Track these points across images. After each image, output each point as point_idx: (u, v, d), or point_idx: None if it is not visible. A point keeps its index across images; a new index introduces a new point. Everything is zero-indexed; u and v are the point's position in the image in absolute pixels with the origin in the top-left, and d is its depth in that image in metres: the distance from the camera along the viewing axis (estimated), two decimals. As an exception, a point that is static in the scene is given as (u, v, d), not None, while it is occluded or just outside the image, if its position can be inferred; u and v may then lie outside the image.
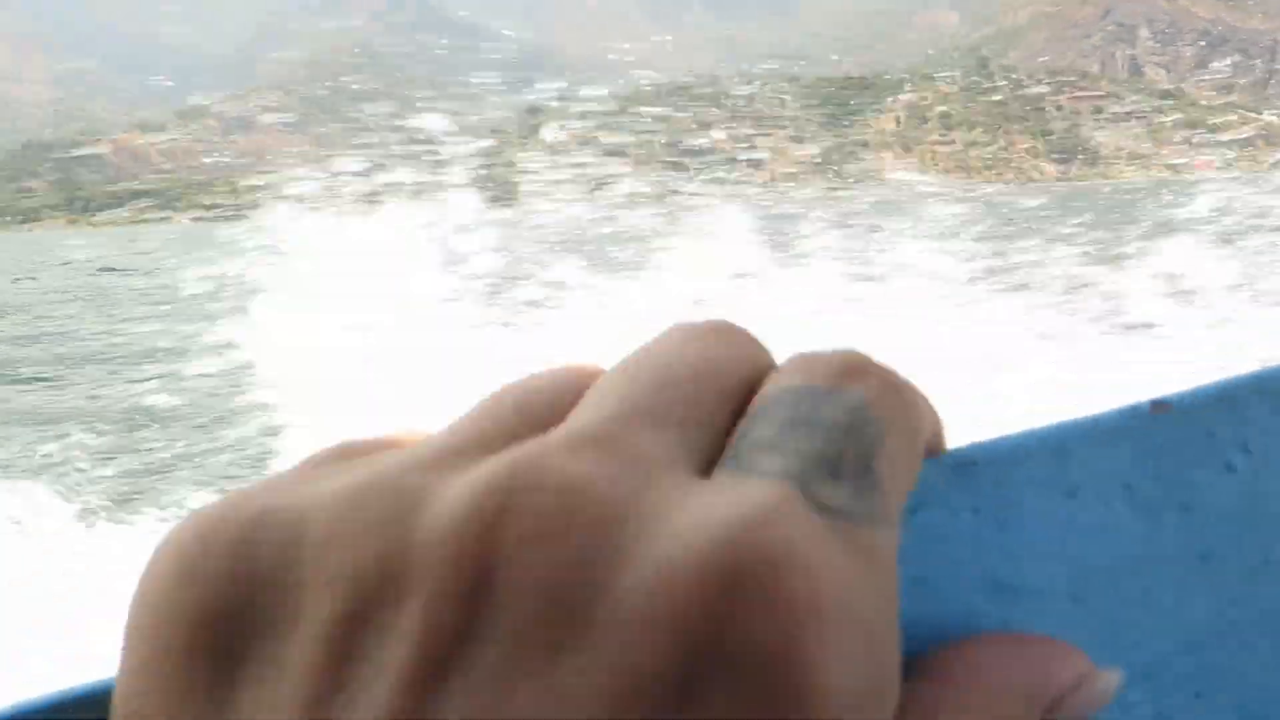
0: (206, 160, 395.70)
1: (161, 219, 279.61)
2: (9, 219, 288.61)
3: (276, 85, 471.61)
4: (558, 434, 0.23)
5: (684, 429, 0.24)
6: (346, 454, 0.26)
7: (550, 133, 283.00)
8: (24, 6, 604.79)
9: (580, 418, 0.24)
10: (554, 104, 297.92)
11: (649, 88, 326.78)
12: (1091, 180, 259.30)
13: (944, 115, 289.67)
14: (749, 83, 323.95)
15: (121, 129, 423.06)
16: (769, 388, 0.26)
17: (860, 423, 0.25)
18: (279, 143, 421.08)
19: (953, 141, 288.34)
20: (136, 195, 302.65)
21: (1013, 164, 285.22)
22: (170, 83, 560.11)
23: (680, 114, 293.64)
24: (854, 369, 0.26)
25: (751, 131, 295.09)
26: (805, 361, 0.26)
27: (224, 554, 0.22)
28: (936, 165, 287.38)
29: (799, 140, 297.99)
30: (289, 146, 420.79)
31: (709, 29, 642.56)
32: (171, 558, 0.23)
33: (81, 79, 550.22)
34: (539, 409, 0.26)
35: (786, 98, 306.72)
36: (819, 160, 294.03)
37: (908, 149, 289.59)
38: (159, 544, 0.23)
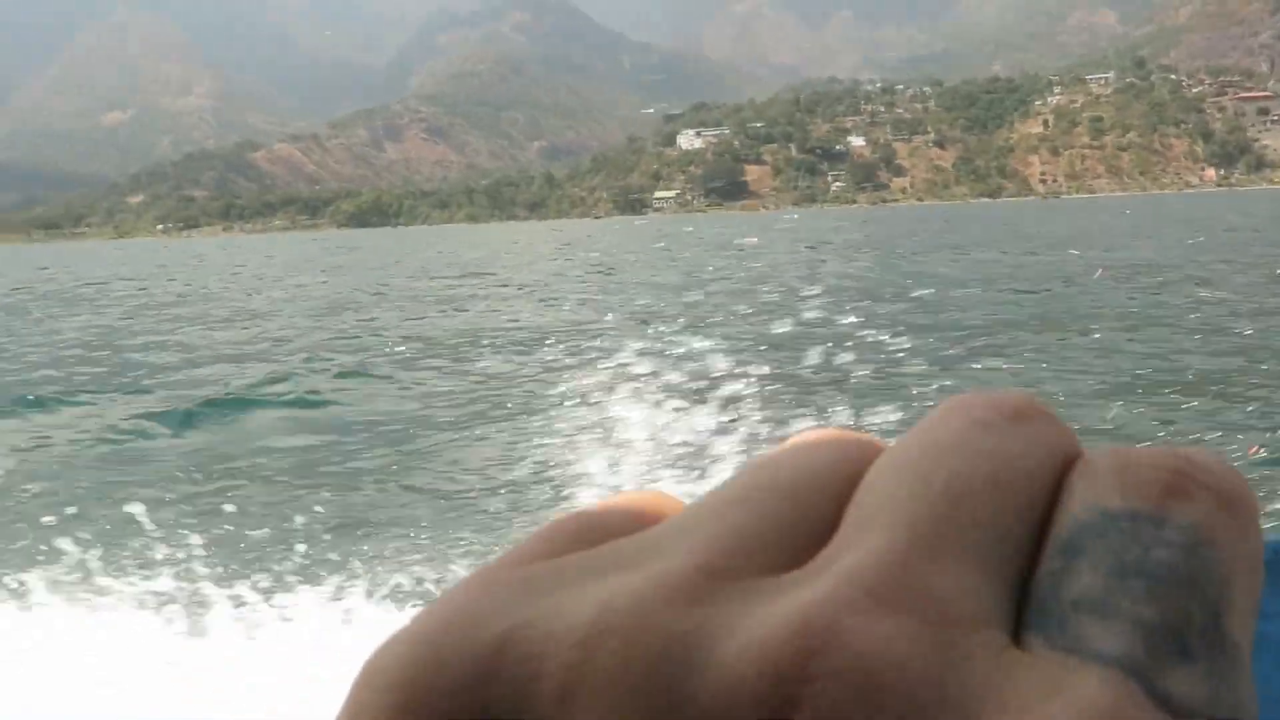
0: (355, 170, 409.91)
1: (310, 225, 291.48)
2: (171, 225, 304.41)
3: (424, 96, 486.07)
4: (847, 576, 0.19)
5: (987, 563, 0.20)
6: (585, 529, 0.23)
7: (686, 140, 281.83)
8: (193, 24, 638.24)
9: (868, 547, 0.20)
10: (690, 111, 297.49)
11: (789, 94, 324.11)
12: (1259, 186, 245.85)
13: (1095, 118, 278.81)
14: (891, 87, 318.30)
15: (278, 139, 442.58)
16: (1080, 502, 0.21)
17: (1202, 568, 0.20)
18: (424, 152, 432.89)
19: (1104, 146, 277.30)
20: (288, 203, 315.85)
21: (1169, 168, 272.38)
22: (324, 95, 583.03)
23: (819, 120, 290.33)
24: (1182, 482, 0.21)
25: (891, 137, 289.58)
26: (1120, 466, 0.21)
27: (452, 691, 0.19)
28: (1086, 170, 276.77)
29: (940, 144, 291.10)
30: (434, 156, 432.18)
31: (855, 33, 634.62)
32: (389, 685, 0.19)
33: (243, 92, 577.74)
34: (811, 506, 0.21)
35: (930, 103, 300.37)
36: (959, 165, 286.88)
37: (1055, 153, 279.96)
38: (371, 660, 0.20)
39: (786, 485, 0.22)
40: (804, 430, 0.24)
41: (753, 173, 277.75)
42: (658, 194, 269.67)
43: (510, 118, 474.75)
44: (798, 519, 0.21)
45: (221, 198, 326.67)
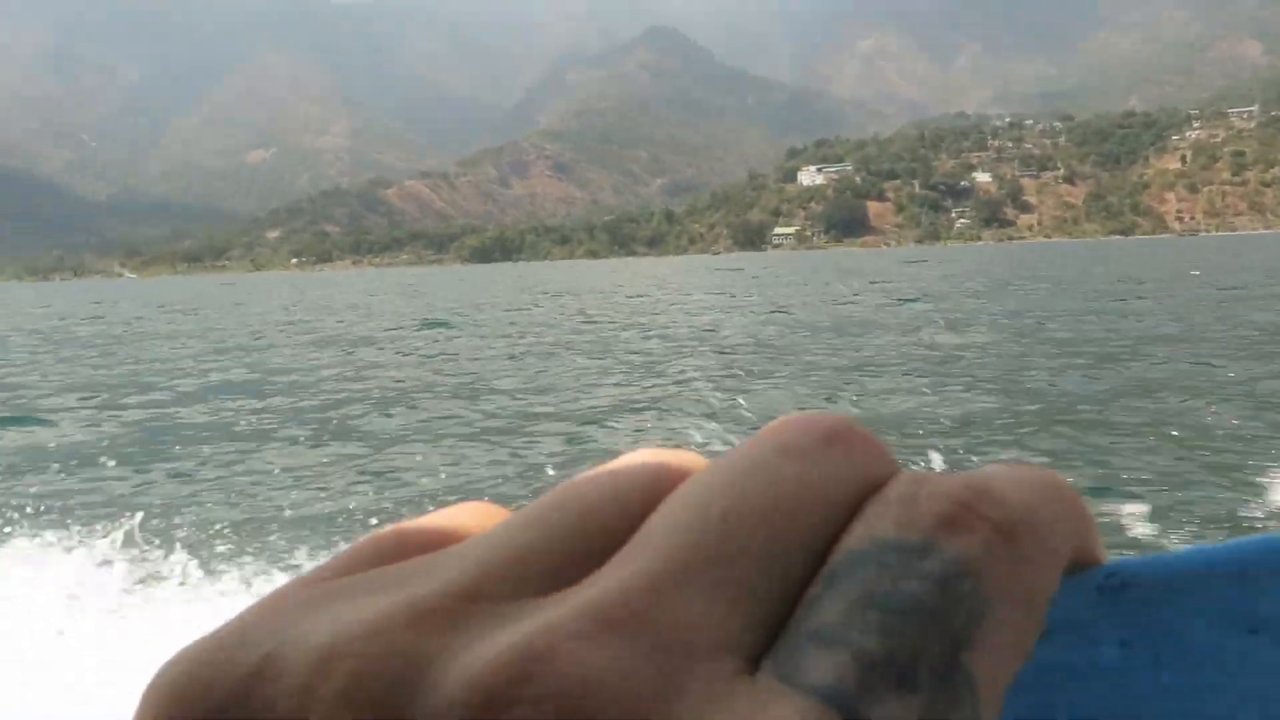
0: (482, 206, 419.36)
1: (434, 260, 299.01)
2: (306, 259, 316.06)
3: (550, 134, 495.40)
4: (586, 602, 0.19)
5: (747, 592, 0.20)
6: (397, 544, 0.23)
7: (807, 176, 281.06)
8: (332, 66, 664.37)
9: (622, 573, 0.20)
10: (813, 147, 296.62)
11: (913, 129, 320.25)
12: None
13: (1237, 153, 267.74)
14: (1020, 122, 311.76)
15: (408, 176, 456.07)
16: (857, 531, 0.21)
17: (953, 599, 0.20)
18: (549, 188, 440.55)
19: (1246, 181, 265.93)
20: (416, 238, 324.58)
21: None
22: (455, 133, 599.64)
23: (944, 155, 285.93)
24: (960, 513, 0.21)
25: (1018, 173, 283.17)
26: (907, 495, 0.21)
27: (215, 711, 0.19)
28: (1226, 207, 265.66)
29: (1070, 180, 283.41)
30: (558, 192, 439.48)
31: (983, 67, 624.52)
32: (162, 702, 0.20)
33: (377, 130, 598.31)
34: (601, 528, 0.22)
35: (1060, 138, 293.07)
36: (1090, 201, 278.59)
37: (1193, 189, 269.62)
38: (156, 675, 0.20)
39: (583, 506, 0.22)
40: (636, 448, 0.24)
41: (874, 209, 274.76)
42: (777, 230, 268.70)
43: (634, 154, 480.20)
44: (581, 542, 0.21)
45: (353, 233, 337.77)
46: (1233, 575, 0.23)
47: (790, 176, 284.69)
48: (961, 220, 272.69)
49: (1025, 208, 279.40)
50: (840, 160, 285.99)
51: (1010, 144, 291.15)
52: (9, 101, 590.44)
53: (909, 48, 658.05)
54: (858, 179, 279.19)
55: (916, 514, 0.21)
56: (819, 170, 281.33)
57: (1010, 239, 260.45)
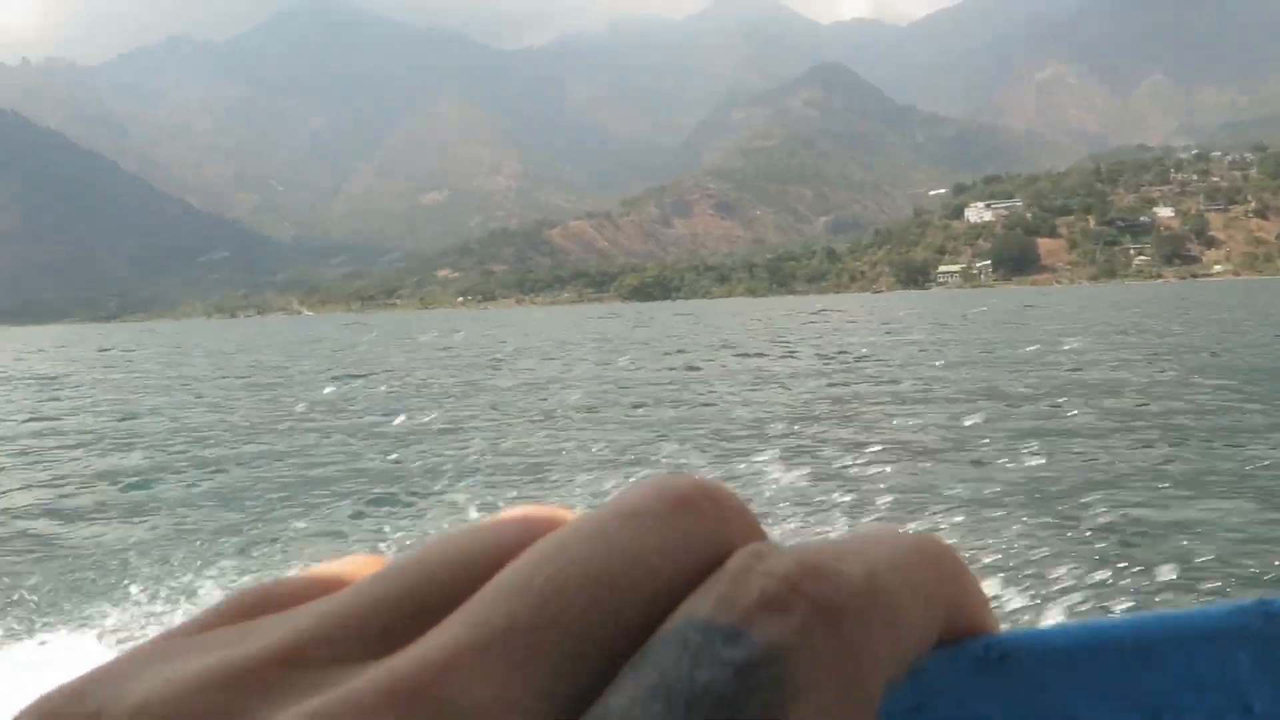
0: (644, 245, 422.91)
1: (595, 298, 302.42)
2: (471, 298, 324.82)
3: (713, 172, 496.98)
4: (379, 677, 0.19)
5: (547, 669, 0.19)
6: (269, 599, 0.22)
7: (974, 213, 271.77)
8: (502, 111, 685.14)
9: (427, 644, 0.19)
10: (981, 184, 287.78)
11: (1089, 163, 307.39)
12: None
13: None
14: (1206, 154, 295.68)
15: (573, 216, 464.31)
16: (680, 611, 0.20)
17: (751, 688, 0.18)
18: (711, 227, 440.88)
19: None
20: (577, 277, 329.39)
21: None
22: (619, 174, 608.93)
23: (1121, 190, 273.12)
24: (785, 592, 0.19)
25: (1204, 207, 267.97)
26: (740, 570, 0.20)
27: None
28: None
29: (1263, 214, 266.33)
30: (720, 230, 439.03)
31: (1167, 97, 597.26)
32: None
33: (544, 172, 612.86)
34: (436, 590, 0.21)
35: (1252, 170, 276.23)
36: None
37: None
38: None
39: (429, 568, 0.21)
40: (514, 504, 0.24)
41: (1046, 246, 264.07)
42: (942, 268, 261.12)
43: (798, 192, 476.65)
44: (417, 604, 0.21)
45: (518, 271, 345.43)
46: (1130, 653, 0.22)
47: (957, 213, 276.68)
48: (1140, 257, 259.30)
49: (1211, 243, 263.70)
50: (1010, 196, 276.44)
51: (1195, 176, 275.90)
52: (205, 150, 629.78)
53: (1087, 78, 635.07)
54: (1028, 215, 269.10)
55: (740, 593, 0.20)
56: (987, 206, 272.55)
57: (1194, 276, 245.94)
